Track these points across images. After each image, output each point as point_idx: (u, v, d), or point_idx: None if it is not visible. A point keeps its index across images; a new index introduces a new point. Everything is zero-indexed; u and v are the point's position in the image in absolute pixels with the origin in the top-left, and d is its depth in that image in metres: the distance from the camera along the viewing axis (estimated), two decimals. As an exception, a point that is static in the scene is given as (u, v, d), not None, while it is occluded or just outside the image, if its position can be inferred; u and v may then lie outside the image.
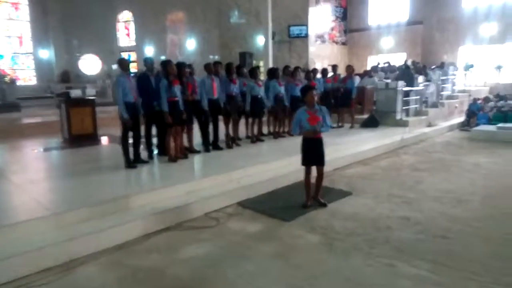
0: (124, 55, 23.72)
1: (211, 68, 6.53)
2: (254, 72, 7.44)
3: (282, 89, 7.87)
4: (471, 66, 13.28)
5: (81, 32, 22.52)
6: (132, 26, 23.50)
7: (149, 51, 22.51)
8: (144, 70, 6.08)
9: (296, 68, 8.87)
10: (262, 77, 10.65)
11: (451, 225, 4.13)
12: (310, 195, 4.78)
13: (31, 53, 22.04)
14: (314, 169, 4.74)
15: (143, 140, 6.16)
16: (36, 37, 21.97)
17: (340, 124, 9.81)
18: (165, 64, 5.80)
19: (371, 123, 9.80)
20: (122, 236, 3.89)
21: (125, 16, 23.65)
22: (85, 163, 6.19)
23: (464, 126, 11.42)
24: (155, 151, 6.42)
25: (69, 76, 22.73)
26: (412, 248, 3.59)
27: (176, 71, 5.81)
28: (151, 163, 5.98)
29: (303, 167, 4.74)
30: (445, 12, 16.41)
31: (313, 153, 4.58)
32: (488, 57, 15.81)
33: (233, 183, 5.28)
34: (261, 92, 7.42)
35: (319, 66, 13.67)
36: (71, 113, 7.88)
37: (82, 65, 23.31)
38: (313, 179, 4.76)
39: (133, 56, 23.26)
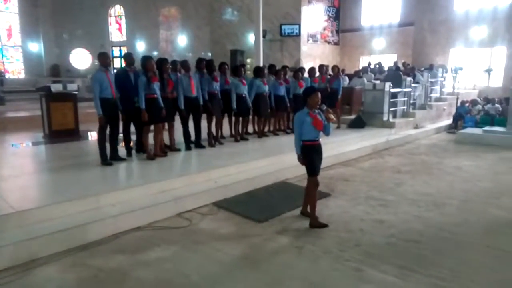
0: (116, 50, 23.56)
1: (189, 66, 6.43)
2: (237, 69, 7.35)
3: (266, 88, 7.79)
4: (460, 68, 13.30)
5: (72, 26, 22.23)
6: (123, 21, 23.25)
7: (141, 46, 22.31)
8: (123, 66, 5.95)
9: (284, 67, 8.81)
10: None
11: (424, 229, 4.09)
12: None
13: (20, 46, 21.71)
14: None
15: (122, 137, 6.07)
16: (25, 30, 21.61)
17: (326, 124, 9.76)
18: (144, 60, 5.70)
19: (358, 124, 9.77)
20: (89, 235, 3.79)
21: (117, 10, 23.38)
22: (62, 159, 6.07)
23: (451, 128, 11.45)
24: (134, 149, 6.32)
25: (59, 70, 22.44)
26: (382, 252, 3.54)
27: (155, 67, 5.72)
28: (128, 161, 5.88)
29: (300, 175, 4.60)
30: (436, 14, 16.41)
31: (319, 161, 4.19)
32: (478, 60, 15.85)
33: (210, 183, 5.20)
34: (245, 90, 7.34)
35: (311, 65, 13.56)
36: (51, 108, 7.76)
37: (73, 59, 23.03)
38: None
39: (124, 51, 23.02)
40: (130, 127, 6.15)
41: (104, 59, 5.35)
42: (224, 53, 17.92)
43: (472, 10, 15.52)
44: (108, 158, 5.63)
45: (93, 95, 5.21)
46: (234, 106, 7.19)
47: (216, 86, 6.81)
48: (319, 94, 4.05)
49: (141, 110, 5.56)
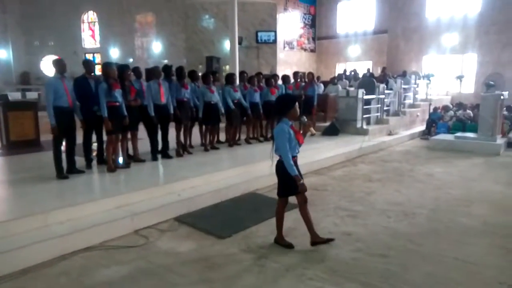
0: (89, 56, 22.96)
1: (159, 72, 6.19)
2: (206, 77, 7.13)
3: (237, 95, 7.59)
4: (431, 75, 13.47)
5: (42, 33, 21.58)
6: (97, 27, 22.73)
7: (115, 53, 21.84)
8: (83, 73, 5.64)
9: (258, 74, 8.66)
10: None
11: (392, 241, 3.93)
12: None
13: (-13, 53, 20.89)
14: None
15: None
16: (-8, 37, 20.84)
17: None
18: (106, 66, 5.42)
19: (332, 131, 9.70)
20: (32, 258, 3.46)
21: (90, 16, 22.86)
22: (15, 173, 5.70)
23: (425, 135, 11.51)
24: (94, 160, 5.99)
25: (29, 77, 21.71)
26: (347, 268, 3.36)
27: (117, 74, 5.46)
28: (87, 173, 5.54)
29: (283, 196, 3.86)
30: (409, 21, 16.68)
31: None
32: (450, 67, 16.16)
33: (172, 196, 4.93)
34: (213, 98, 7.11)
35: (288, 72, 13.39)
36: (9, 117, 7.33)
37: (44, 66, 22.32)
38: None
39: (98, 58, 22.49)
40: (92, 137, 5.82)
41: (59, 65, 5.04)
42: (200, 60, 17.67)
43: (443, 18, 15.85)
44: (65, 171, 5.31)
45: (46, 103, 4.88)
46: (200, 114, 6.95)
47: (185, 93, 6.57)
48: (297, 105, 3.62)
49: (103, 119, 5.26)
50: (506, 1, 14.22)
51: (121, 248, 3.80)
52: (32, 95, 7.70)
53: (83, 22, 23.01)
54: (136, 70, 6.27)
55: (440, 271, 3.30)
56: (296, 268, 3.38)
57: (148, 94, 6.06)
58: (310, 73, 9.53)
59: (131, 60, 20.31)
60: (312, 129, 3.71)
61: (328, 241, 3.80)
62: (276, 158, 3.68)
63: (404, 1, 16.67)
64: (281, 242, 3.87)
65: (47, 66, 22.33)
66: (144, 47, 20.95)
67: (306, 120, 3.79)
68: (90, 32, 23.10)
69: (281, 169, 3.64)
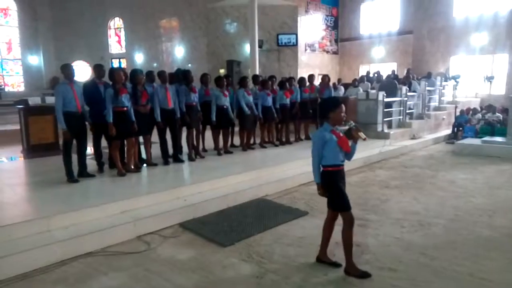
0: (115, 62, 23.54)
1: (165, 77, 6.17)
2: (220, 80, 7.06)
3: (250, 99, 7.48)
4: (458, 76, 12.85)
5: (71, 39, 22.29)
6: (122, 33, 23.28)
7: (140, 58, 22.29)
8: (92, 77, 5.69)
9: (271, 77, 8.52)
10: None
11: (403, 254, 3.69)
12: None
13: (19, 59, 21.79)
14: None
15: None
16: (25, 43, 21.72)
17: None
18: (112, 71, 5.45)
19: (351, 134, 9.39)
20: (32, 262, 3.47)
21: (116, 23, 23.44)
22: (31, 176, 5.84)
23: (451, 138, 11.00)
24: (106, 164, 6.03)
25: (59, 82, 22.44)
26: (351, 283, 3.16)
27: (124, 79, 5.48)
28: (98, 177, 5.58)
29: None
30: (435, 21, 16.07)
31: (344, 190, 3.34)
32: (480, 68, 15.42)
33: (179, 201, 4.87)
34: (226, 102, 7.04)
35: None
36: (29, 122, 7.52)
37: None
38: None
39: (123, 63, 23.01)
40: (101, 141, 5.87)
41: (67, 71, 5.10)
42: (222, 64, 17.73)
43: (472, 17, 15.16)
44: (77, 174, 5.37)
45: (56, 108, 4.95)
46: (214, 118, 6.89)
47: (194, 97, 6.53)
48: (344, 107, 3.28)
49: (108, 124, 5.28)
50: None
51: (121, 254, 3.75)
52: (51, 100, 7.85)
53: (110, 28, 23.63)
54: (161, 74, 6.27)
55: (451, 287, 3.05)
56: (295, 281, 3.21)
57: (155, 99, 6.05)
58: (326, 76, 9.30)
59: (155, 65, 20.65)
60: (361, 133, 3.28)
61: (364, 275, 3.22)
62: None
63: (430, 0, 16.09)
64: (324, 259, 3.49)
65: (76, 71, 23.09)
66: (168, 51, 21.26)
67: (353, 124, 3.33)
68: (116, 38, 23.70)
69: (324, 179, 3.29)
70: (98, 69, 5.73)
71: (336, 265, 3.42)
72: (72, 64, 5.39)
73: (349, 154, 3.34)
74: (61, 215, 4.04)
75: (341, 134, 3.26)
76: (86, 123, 5.39)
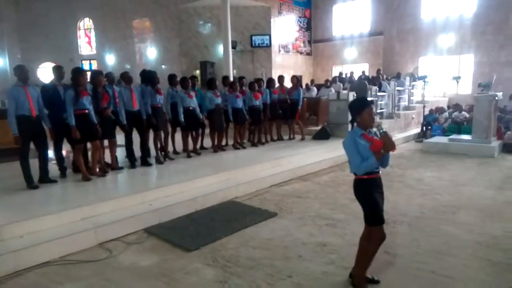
0: (85, 63, 22.92)
1: (130, 78, 6.01)
2: (184, 82, 6.94)
3: (219, 100, 7.39)
4: (425, 76, 13.15)
5: (38, 40, 21.58)
6: (93, 34, 22.70)
7: (111, 59, 21.79)
8: (51, 80, 5.47)
9: (241, 78, 8.48)
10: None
11: (368, 253, 3.69)
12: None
13: (-18, 61, 20.91)
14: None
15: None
16: (-12, 45, 20.86)
17: (291, 137, 9.46)
18: (75, 73, 5.24)
19: (322, 135, 9.49)
20: (-18, 275, 3.28)
21: (86, 23, 22.84)
22: (-13, 183, 5.52)
23: (420, 137, 11.25)
24: (69, 169, 5.81)
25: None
26: (313, 284, 3.13)
27: (89, 81, 5.29)
28: (60, 182, 5.36)
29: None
30: (404, 23, 16.45)
31: (382, 201, 3.01)
32: (448, 68, 15.89)
33: (144, 206, 4.74)
34: (192, 103, 6.93)
35: (285, 76, 13.05)
36: (-10, 126, 7.18)
37: (40, 73, 22.30)
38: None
39: (94, 64, 22.45)
40: (62, 145, 5.65)
41: (21, 73, 4.88)
42: (195, 65, 17.55)
43: (439, 18, 15.59)
44: (38, 180, 5.14)
45: (8, 112, 4.73)
46: (182, 119, 6.77)
47: (160, 99, 6.39)
48: (374, 109, 3.01)
49: (70, 127, 5.08)
50: (501, 1, 13.97)
51: (80, 263, 3.60)
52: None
53: (79, 29, 23.01)
54: (125, 75, 6.09)
55: (412, 287, 3.07)
56: (260, 285, 3.15)
57: (120, 101, 5.88)
58: (294, 77, 9.35)
59: (128, 66, 20.23)
60: (392, 140, 2.87)
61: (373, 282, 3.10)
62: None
63: (399, 2, 16.46)
64: (359, 281, 3.04)
65: (43, 73, 22.34)
66: (140, 52, 20.87)
67: (383, 128, 2.92)
68: (86, 39, 23.09)
69: (357, 190, 3.00)
70: (57, 71, 5.51)
71: (374, 281, 3.11)
72: (40, 66, 5.15)
73: (385, 161, 2.96)
74: (16, 223, 3.84)
75: (375, 137, 2.90)
76: (45, 126, 5.16)
